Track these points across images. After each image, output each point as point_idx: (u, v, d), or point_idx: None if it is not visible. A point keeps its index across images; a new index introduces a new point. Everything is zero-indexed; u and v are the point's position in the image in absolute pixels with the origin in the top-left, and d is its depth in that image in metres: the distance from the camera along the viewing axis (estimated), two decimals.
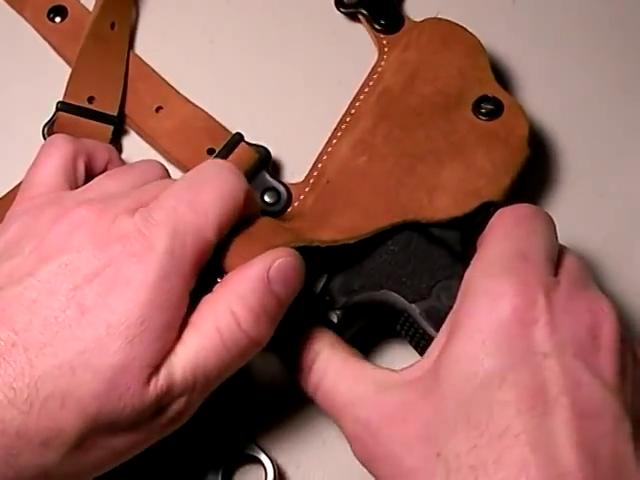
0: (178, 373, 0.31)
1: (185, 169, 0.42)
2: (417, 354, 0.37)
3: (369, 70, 0.44)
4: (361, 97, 0.42)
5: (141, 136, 0.44)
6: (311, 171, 0.41)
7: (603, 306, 0.32)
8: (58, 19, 0.46)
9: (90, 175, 0.38)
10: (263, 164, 0.42)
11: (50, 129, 0.42)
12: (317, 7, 0.48)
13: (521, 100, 0.44)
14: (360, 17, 0.46)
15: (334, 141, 0.42)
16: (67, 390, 0.29)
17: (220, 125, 0.43)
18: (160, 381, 0.30)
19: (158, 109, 0.44)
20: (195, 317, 0.32)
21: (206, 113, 0.44)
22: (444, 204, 0.37)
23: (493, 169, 0.38)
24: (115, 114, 0.44)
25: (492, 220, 0.35)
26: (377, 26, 0.44)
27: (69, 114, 0.42)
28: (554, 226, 0.35)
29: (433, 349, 0.33)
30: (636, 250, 0.44)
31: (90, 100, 0.43)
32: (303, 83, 0.47)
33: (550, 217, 0.35)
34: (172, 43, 0.47)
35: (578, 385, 0.29)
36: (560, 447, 0.28)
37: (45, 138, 0.42)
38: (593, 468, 0.28)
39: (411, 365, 0.33)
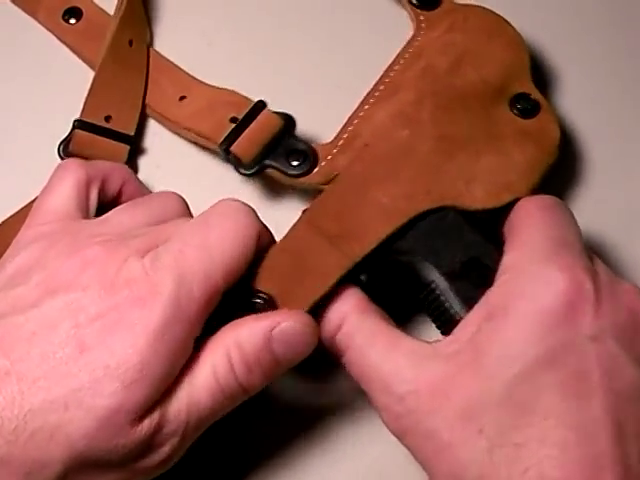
0: (172, 414, 0.31)
1: (210, 141, 0.42)
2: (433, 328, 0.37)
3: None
4: (396, 68, 0.41)
5: (164, 124, 0.44)
6: (341, 133, 0.40)
7: (634, 288, 0.33)
8: (73, 20, 0.46)
9: (104, 199, 0.38)
10: (287, 131, 0.41)
11: (66, 147, 0.42)
12: (316, 7, 0.48)
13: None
14: None
15: (366, 107, 0.40)
16: (57, 425, 0.29)
17: (244, 97, 0.42)
18: (153, 421, 0.30)
19: (182, 98, 0.44)
20: (195, 357, 0.32)
21: (229, 90, 0.43)
22: (479, 194, 0.37)
23: (526, 166, 0.39)
24: (132, 134, 0.43)
25: (518, 209, 0.36)
26: (414, 1, 0.44)
27: (86, 132, 0.42)
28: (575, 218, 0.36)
29: (467, 326, 0.33)
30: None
31: (107, 119, 0.42)
32: (303, 85, 0.46)
33: (570, 209, 0.36)
34: (171, 45, 0.46)
35: (620, 369, 0.30)
36: (598, 428, 0.29)
37: (60, 155, 0.42)
38: (624, 449, 0.29)
39: (443, 339, 0.33)
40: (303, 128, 0.42)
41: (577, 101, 0.46)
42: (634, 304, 0.32)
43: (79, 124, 0.42)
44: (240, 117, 0.41)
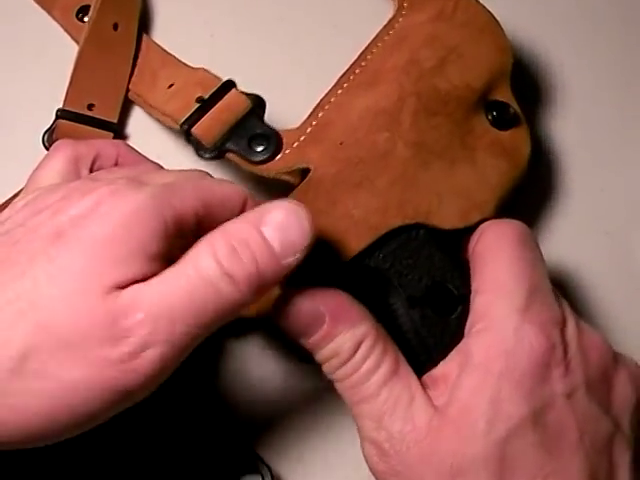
0: (142, 298, 0.28)
1: (174, 122, 0.39)
2: None
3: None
4: (374, 50, 0.39)
5: (147, 111, 0.43)
6: (309, 118, 0.37)
7: (600, 337, 0.34)
8: (87, 18, 0.44)
9: None
10: (255, 112, 0.38)
11: (50, 137, 0.42)
12: (317, 1, 0.47)
13: None
14: None
15: (339, 91, 0.38)
16: (24, 297, 0.28)
17: (214, 76, 0.40)
18: (119, 298, 0.28)
19: (170, 86, 0.42)
20: (180, 259, 0.30)
21: (202, 69, 0.41)
22: (450, 213, 0.36)
23: (498, 183, 0.37)
24: (115, 121, 0.43)
25: (485, 237, 0.35)
26: None
27: (69, 121, 0.41)
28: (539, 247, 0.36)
29: (447, 377, 0.32)
30: (636, 244, 0.44)
31: (90, 107, 0.42)
32: (305, 77, 0.45)
33: (534, 237, 0.36)
34: (173, 37, 0.45)
35: (594, 422, 0.32)
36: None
37: (45, 145, 0.42)
38: None
39: (428, 386, 0.33)
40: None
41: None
42: (601, 354, 0.33)
43: (62, 113, 0.42)
44: (206, 97, 0.39)
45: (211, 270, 0.29)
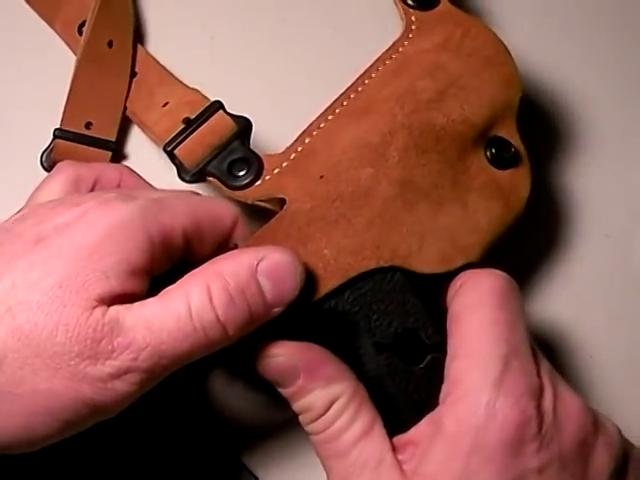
0: (128, 323, 0.29)
1: (162, 143, 0.38)
2: None
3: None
4: (373, 75, 0.38)
5: (141, 128, 0.43)
6: (295, 143, 0.36)
7: (578, 405, 0.32)
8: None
9: None
10: (241, 135, 0.37)
11: (48, 157, 0.42)
12: (317, 3, 0.47)
13: None
14: None
15: (330, 117, 0.37)
16: (1, 301, 0.28)
17: (203, 97, 0.40)
18: (104, 317, 0.28)
19: (165, 105, 0.42)
20: (168, 288, 0.30)
21: (193, 89, 0.41)
22: (431, 256, 0.34)
23: (487, 227, 0.35)
24: (114, 139, 0.42)
25: (463, 289, 0.34)
26: (410, 1, 0.39)
27: (66, 141, 0.41)
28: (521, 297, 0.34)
29: (419, 444, 0.31)
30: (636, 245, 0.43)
31: (88, 126, 0.42)
32: (305, 79, 0.45)
33: (516, 289, 0.34)
34: (172, 39, 0.45)
35: None
36: None
37: (43, 165, 0.42)
38: None
39: (398, 448, 0.32)
40: (304, 125, 0.39)
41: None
42: (579, 424, 0.32)
43: (59, 133, 0.41)
44: (192, 117, 0.38)
45: (204, 314, 0.29)
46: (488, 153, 0.36)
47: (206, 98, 0.39)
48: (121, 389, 0.29)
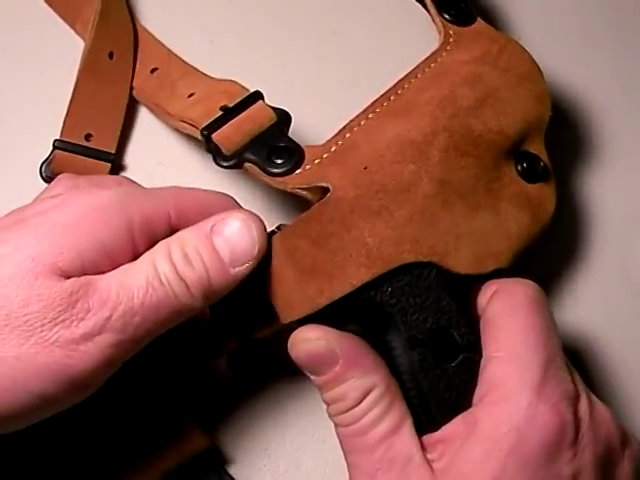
0: (100, 285, 0.30)
1: (195, 129, 0.38)
2: None
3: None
4: (412, 80, 0.38)
5: (163, 119, 0.43)
6: (336, 137, 0.36)
7: (609, 413, 0.33)
8: None
9: None
10: (281, 125, 0.37)
11: (48, 168, 0.41)
12: (317, 7, 0.47)
13: None
14: (427, 3, 0.42)
15: (370, 115, 0.37)
16: None
17: (243, 87, 0.39)
18: (77, 282, 0.29)
19: (190, 95, 0.41)
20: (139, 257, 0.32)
21: (230, 80, 0.40)
22: (465, 257, 0.34)
23: (517, 235, 0.36)
24: (113, 151, 0.42)
25: (497, 296, 0.34)
26: (446, 15, 0.41)
27: (66, 152, 0.41)
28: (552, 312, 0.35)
29: (453, 440, 0.31)
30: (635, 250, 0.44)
31: (87, 137, 0.41)
32: (305, 83, 0.45)
33: (546, 301, 0.34)
34: (172, 43, 0.45)
35: None
36: None
37: (43, 176, 0.42)
38: None
39: (430, 448, 0.32)
40: (304, 129, 0.40)
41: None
42: (610, 432, 0.32)
43: (59, 144, 0.41)
44: (231, 105, 0.38)
45: (167, 271, 0.31)
46: (519, 167, 0.37)
47: (245, 89, 0.39)
48: (94, 352, 0.29)
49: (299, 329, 0.32)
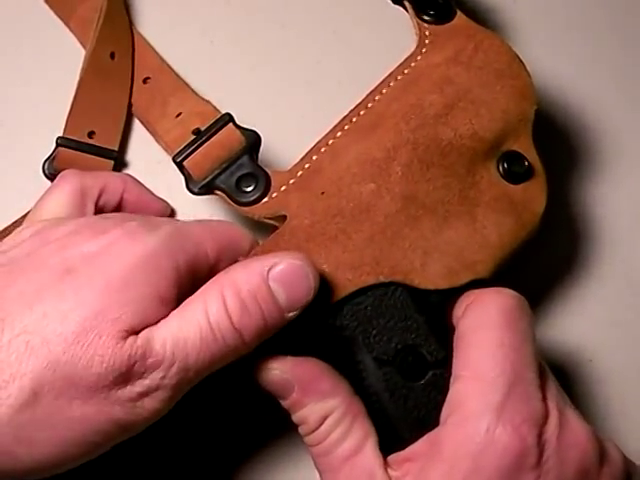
0: (157, 342, 0.29)
1: (172, 152, 0.38)
2: None
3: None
4: (384, 91, 0.37)
5: (157, 142, 0.43)
6: (303, 160, 0.36)
7: (584, 433, 0.31)
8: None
9: (104, 209, 0.38)
10: (250, 149, 0.37)
11: (50, 165, 0.42)
12: (317, 7, 0.47)
13: None
14: (405, 4, 0.40)
15: (339, 133, 0.36)
16: (34, 331, 0.29)
17: (214, 108, 0.40)
18: (137, 343, 0.29)
19: (178, 115, 0.42)
20: (188, 300, 0.31)
21: (205, 100, 0.41)
22: (435, 272, 0.33)
23: (497, 243, 0.34)
24: (116, 148, 0.42)
25: (471, 308, 0.33)
26: (425, 16, 0.39)
27: (69, 149, 0.41)
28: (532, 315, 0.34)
29: (415, 461, 0.31)
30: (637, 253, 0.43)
31: (90, 135, 0.42)
32: (305, 83, 0.45)
33: (528, 311, 0.33)
34: (172, 44, 0.45)
35: None
36: None
37: (45, 173, 0.42)
38: None
39: (392, 464, 0.32)
40: (305, 129, 0.39)
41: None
42: (583, 452, 0.31)
43: (62, 141, 0.41)
44: (203, 129, 0.38)
45: (222, 323, 0.30)
46: (500, 168, 0.36)
47: (217, 110, 0.39)
48: (150, 407, 0.30)
49: (263, 358, 0.33)
